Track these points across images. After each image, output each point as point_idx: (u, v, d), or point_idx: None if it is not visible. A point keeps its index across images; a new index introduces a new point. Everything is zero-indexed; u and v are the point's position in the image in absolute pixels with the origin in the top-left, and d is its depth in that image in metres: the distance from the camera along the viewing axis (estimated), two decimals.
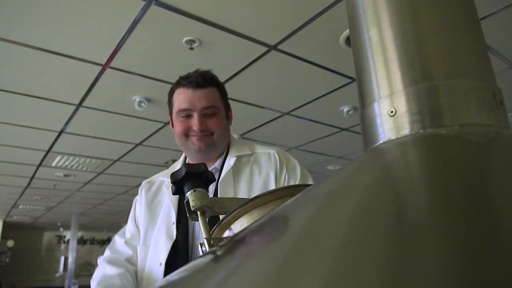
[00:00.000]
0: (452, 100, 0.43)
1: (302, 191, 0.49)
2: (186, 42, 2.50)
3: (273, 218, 0.47)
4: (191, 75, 1.32)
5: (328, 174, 0.50)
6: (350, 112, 3.69)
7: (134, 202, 1.50)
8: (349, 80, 3.13)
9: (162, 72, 2.89)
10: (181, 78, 1.34)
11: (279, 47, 2.63)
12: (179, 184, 0.76)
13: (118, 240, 1.44)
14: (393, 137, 0.45)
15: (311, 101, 3.53)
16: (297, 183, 1.29)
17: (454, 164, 0.38)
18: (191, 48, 2.54)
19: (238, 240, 0.48)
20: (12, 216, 10.25)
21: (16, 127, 3.89)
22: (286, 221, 0.43)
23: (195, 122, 1.27)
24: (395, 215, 0.32)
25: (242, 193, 1.28)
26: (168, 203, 1.35)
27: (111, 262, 1.34)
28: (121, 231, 1.48)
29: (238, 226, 0.62)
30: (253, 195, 1.26)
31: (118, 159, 5.08)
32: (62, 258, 12.85)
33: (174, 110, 1.33)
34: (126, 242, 1.41)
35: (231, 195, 1.27)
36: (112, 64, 2.77)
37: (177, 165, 1.43)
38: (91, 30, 2.38)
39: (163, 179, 1.44)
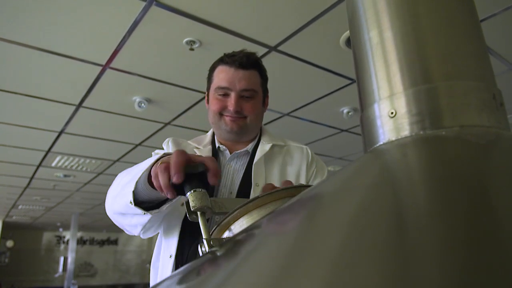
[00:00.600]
0: (452, 102, 0.43)
1: (302, 192, 0.49)
2: (187, 43, 2.50)
3: (273, 219, 0.47)
4: (236, 54, 1.30)
5: (328, 175, 0.50)
6: (350, 113, 3.69)
7: (157, 152, 1.35)
8: (349, 81, 3.13)
9: (162, 73, 2.89)
10: (225, 55, 1.31)
11: (280, 48, 2.64)
12: (178, 186, 0.75)
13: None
14: (393, 138, 0.45)
15: (311, 102, 3.53)
16: None
17: (454, 166, 0.38)
18: (192, 49, 2.54)
19: (238, 241, 0.48)
20: (11, 216, 10.24)
21: (16, 127, 3.89)
22: (286, 222, 0.43)
23: (231, 102, 1.25)
24: (395, 216, 0.32)
25: (274, 179, 1.28)
26: None
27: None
28: None
29: (238, 226, 0.62)
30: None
31: (118, 160, 5.07)
32: (62, 259, 12.82)
33: (213, 86, 1.30)
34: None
35: (262, 179, 1.26)
36: (113, 64, 2.77)
37: (206, 139, 1.39)
38: (91, 31, 2.38)
39: (192, 144, 1.38)
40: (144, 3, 2.13)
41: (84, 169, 5.58)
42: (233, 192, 1.25)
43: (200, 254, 0.59)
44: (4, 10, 2.15)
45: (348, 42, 2.53)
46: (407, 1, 0.48)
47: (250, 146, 1.34)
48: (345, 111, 3.69)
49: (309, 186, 0.55)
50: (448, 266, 0.24)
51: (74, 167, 5.47)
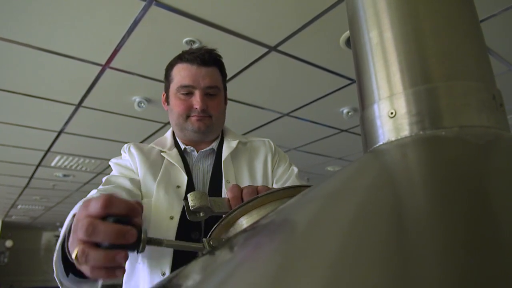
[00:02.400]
0: (451, 102, 0.43)
1: (302, 193, 0.49)
2: (186, 42, 2.50)
3: (272, 219, 0.47)
4: (195, 51, 1.26)
5: (327, 175, 0.50)
6: (350, 114, 3.70)
7: (116, 161, 1.32)
8: (349, 82, 3.13)
9: (162, 73, 2.84)
10: (184, 52, 1.26)
11: (279, 48, 2.63)
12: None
13: (114, 176, 1.24)
14: (393, 139, 0.45)
15: (311, 102, 3.53)
16: (284, 172, 1.32)
17: (453, 166, 0.38)
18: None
19: (237, 241, 0.48)
20: (11, 216, 10.23)
21: (15, 127, 3.89)
22: (285, 222, 0.43)
23: (197, 100, 1.21)
24: (395, 217, 0.32)
25: (244, 175, 1.28)
26: (174, 167, 1.25)
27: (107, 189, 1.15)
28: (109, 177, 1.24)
29: (238, 226, 0.62)
30: (255, 179, 1.27)
31: None
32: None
33: (174, 85, 1.26)
34: (131, 180, 1.21)
35: (232, 176, 1.26)
36: (112, 64, 2.77)
37: (168, 141, 1.35)
38: (91, 30, 2.38)
39: (156, 147, 1.33)
40: (143, 3, 2.13)
41: (83, 169, 5.58)
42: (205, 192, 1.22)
43: (200, 254, 0.59)
44: (3, 9, 2.15)
45: (348, 42, 2.53)
46: (407, 2, 0.48)
47: (214, 144, 1.33)
48: (345, 111, 3.69)
49: (308, 186, 0.55)
50: (448, 267, 0.24)
51: (73, 167, 5.47)
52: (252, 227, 0.50)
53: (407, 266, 0.26)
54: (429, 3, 0.47)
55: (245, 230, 0.51)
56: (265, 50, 2.65)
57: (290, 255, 0.34)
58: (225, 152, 1.30)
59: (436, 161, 0.39)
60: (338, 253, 0.30)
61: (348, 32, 2.35)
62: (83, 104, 3.40)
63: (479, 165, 0.38)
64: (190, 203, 0.70)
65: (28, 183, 6.44)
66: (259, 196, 0.62)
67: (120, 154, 1.34)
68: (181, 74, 1.24)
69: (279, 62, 2.79)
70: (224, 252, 0.47)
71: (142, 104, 3.31)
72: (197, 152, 1.31)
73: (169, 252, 1.10)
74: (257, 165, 1.33)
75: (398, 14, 0.48)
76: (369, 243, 0.29)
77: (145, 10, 2.19)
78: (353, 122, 3.96)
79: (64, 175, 5.93)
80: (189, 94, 1.23)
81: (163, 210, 1.17)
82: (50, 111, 3.51)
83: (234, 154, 1.33)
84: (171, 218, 1.15)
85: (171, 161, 1.26)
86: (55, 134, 4.11)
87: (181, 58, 1.27)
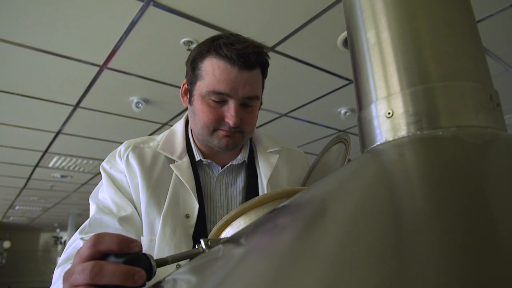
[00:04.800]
0: (449, 102, 0.43)
1: (300, 193, 0.50)
2: (184, 43, 2.50)
3: (270, 219, 0.47)
4: (238, 43, 0.96)
5: (325, 176, 0.50)
6: (347, 114, 3.70)
7: (109, 172, 1.06)
8: (347, 82, 3.14)
9: (159, 73, 2.89)
10: (224, 44, 0.95)
11: (277, 48, 2.64)
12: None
13: (101, 220, 0.98)
14: (390, 139, 0.45)
15: (308, 103, 3.53)
16: None
17: (451, 166, 0.38)
18: (189, 49, 2.54)
19: (235, 241, 0.48)
20: (8, 217, 10.21)
21: (13, 128, 3.88)
22: (283, 222, 0.43)
23: (231, 113, 0.96)
24: (392, 217, 0.32)
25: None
26: (184, 188, 1.03)
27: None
28: (91, 220, 0.99)
29: (236, 227, 0.62)
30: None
31: None
32: (59, 259, 12.77)
33: (203, 85, 0.98)
34: (122, 220, 0.97)
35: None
36: (110, 65, 2.77)
37: (178, 145, 1.10)
38: (88, 31, 2.37)
39: (162, 153, 1.07)
40: (141, 4, 2.13)
41: (81, 169, 5.57)
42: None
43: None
44: (1, 10, 2.14)
45: (346, 42, 2.53)
46: (404, 2, 0.48)
47: (245, 155, 1.12)
48: (342, 111, 3.70)
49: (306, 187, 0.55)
50: (446, 267, 0.24)
51: (71, 168, 5.46)
52: (250, 228, 0.50)
53: (404, 266, 0.26)
54: (426, 4, 0.47)
55: (243, 231, 0.51)
56: None
57: (288, 255, 0.34)
58: (265, 170, 1.08)
59: (433, 161, 0.40)
60: (336, 253, 0.30)
61: (345, 32, 2.35)
62: (81, 105, 3.40)
63: (477, 165, 0.38)
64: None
65: (26, 184, 6.43)
66: (257, 197, 0.62)
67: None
68: (216, 75, 0.95)
69: (277, 63, 2.79)
70: (222, 253, 0.47)
71: (140, 105, 3.31)
72: (217, 164, 1.09)
73: (184, 243, 0.99)
74: (294, 183, 1.15)
75: (396, 15, 0.48)
76: (367, 243, 0.29)
77: (142, 10, 2.19)
78: (351, 123, 3.97)
79: (62, 176, 5.92)
80: (222, 102, 0.98)
81: (166, 250, 0.98)
82: (48, 112, 3.50)
83: (274, 172, 1.10)
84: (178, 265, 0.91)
85: (181, 178, 1.03)
86: (53, 135, 4.10)
87: (218, 51, 0.95)
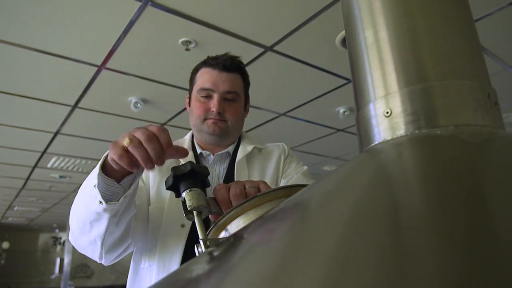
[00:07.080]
0: (447, 101, 0.43)
1: (298, 192, 0.50)
2: (182, 43, 2.50)
3: (269, 219, 0.47)
4: (220, 56, 1.30)
5: (324, 175, 0.50)
6: (346, 113, 3.70)
7: None
8: (345, 81, 3.14)
9: (158, 73, 2.89)
10: (209, 58, 1.32)
11: (275, 48, 2.64)
12: (178, 180, 0.74)
13: None
14: (389, 138, 0.45)
15: (307, 102, 3.53)
16: (293, 170, 1.34)
17: (449, 165, 0.38)
18: (187, 49, 2.54)
19: (234, 241, 0.48)
20: (7, 217, 10.19)
21: (11, 128, 3.87)
22: (282, 222, 0.43)
23: (214, 103, 1.25)
24: (391, 216, 0.32)
25: (255, 179, 1.27)
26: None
27: None
28: None
29: (235, 226, 0.62)
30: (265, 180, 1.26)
31: None
32: (58, 260, 12.76)
33: (195, 88, 1.31)
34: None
35: (245, 178, 1.27)
36: (108, 65, 2.76)
37: (185, 143, 1.38)
38: (87, 31, 2.37)
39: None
40: (139, 3, 2.12)
41: (80, 170, 5.56)
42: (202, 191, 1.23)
43: (197, 254, 0.59)
44: None
45: (344, 42, 2.53)
46: (402, 1, 0.48)
47: (231, 148, 1.36)
48: (341, 111, 3.70)
49: (305, 185, 0.55)
50: (445, 266, 0.24)
51: (70, 168, 5.45)
52: (249, 227, 0.50)
53: (403, 265, 0.26)
54: (424, 3, 0.47)
55: (241, 230, 0.51)
56: (261, 50, 2.65)
57: (287, 254, 0.34)
58: (240, 155, 1.33)
59: (431, 160, 0.40)
60: (334, 252, 0.30)
61: (343, 32, 2.35)
62: (79, 105, 3.40)
63: (475, 164, 0.38)
64: (188, 202, 0.70)
65: (24, 185, 6.42)
66: (256, 196, 0.62)
67: None
68: (203, 77, 1.28)
69: (275, 62, 2.79)
70: (220, 253, 0.47)
71: (138, 105, 3.31)
72: (213, 155, 1.33)
73: (178, 257, 1.13)
74: (269, 168, 1.35)
75: (393, 14, 0.48)
76: (365, 242, 0.29)
77: (140, 10, 2.18)
78: (349, 122, 3.97)
79: (61, 176, 5.91)
80: (208, 97, 1.27)
81: (175, 217, 1.18)
82: (46, 112, 3.50)
83: (248, 158, 1.35)
84: (183, 226, 1.17)
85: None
86: (51, 135, 4.10)
87: (205, 63, 1.32)
